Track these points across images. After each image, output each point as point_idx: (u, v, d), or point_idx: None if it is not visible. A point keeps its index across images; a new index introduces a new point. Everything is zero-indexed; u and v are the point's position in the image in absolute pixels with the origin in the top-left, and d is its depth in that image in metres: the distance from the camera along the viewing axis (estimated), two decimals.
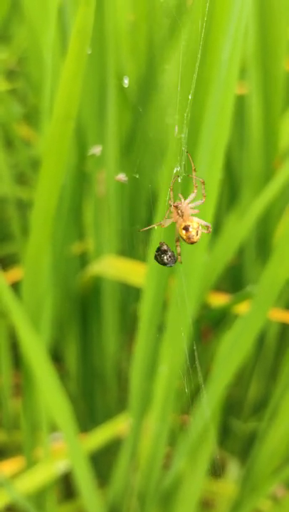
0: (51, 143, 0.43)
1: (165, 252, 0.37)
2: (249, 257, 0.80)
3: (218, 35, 0.41)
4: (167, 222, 0.39)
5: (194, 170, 0.40)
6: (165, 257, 0.37)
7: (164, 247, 0.37)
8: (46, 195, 0.47)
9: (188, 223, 0.37)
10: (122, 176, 0.59)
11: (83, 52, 0.36)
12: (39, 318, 0.64)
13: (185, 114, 0.36)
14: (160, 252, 0.37)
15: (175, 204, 0.38)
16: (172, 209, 0.38)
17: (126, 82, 0.63)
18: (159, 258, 0.37)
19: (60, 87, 0.38)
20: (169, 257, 0.37)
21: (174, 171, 0.39)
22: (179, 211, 0.38)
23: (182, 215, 0.38)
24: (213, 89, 0.45)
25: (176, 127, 0.36)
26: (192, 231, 0.37)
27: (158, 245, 0.37)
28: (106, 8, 0.62)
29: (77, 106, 0.40)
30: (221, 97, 0.45)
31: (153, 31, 0.66)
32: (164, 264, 0.37)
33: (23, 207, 1.01)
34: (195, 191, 0.39)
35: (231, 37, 0.43)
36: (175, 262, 0.37)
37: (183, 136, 0.38)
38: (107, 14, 0.63)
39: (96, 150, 0.60)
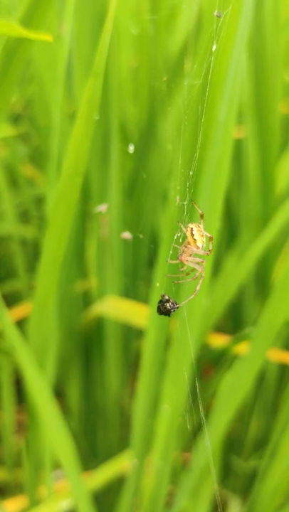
0: (60, 198, 0.45)
1: (167, 301, 0.39)
2: (248, 294, 0.82)
3: (216, 99, 0.44)
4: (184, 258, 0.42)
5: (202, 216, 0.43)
6: (168, 305, 0.39)
7: (166, 297, 0.39)
8: (55, 243, 0.49)
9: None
10: (127, 234, 0.62)
11: (91, 118, 0.39)
12: (44, 357, 0.66)
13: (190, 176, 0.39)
14: (163, 302, 0.39)
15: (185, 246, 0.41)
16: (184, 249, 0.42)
17: (131, 148, 0.66)
18: (162, 308, 0.39)
19: (69, 148, 0.41)
20: (172, 303, 0.39)
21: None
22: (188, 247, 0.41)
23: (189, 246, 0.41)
24: (211, 144, 0.48)
25: (178, 198, 0.38)
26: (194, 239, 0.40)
27: (160, 298, 0.39)
28: (110, 60, 0.65)
29: (85, 164, 0.42)
30: (219, 150, 0.48)
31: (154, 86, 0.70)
32: (168, 311, 0.39)
33: (27, 245, 1.04)
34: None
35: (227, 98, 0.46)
36: (178, 307, 0.40)
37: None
38: (111, 64, 0.66)
39: (102, 208, 0.63)
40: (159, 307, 0.40)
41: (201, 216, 0.42)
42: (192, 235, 0.41)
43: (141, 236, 0.70)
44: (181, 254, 0.42)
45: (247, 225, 0.78)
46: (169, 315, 0.40)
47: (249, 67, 0.72)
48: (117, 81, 0.66)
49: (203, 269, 0.42)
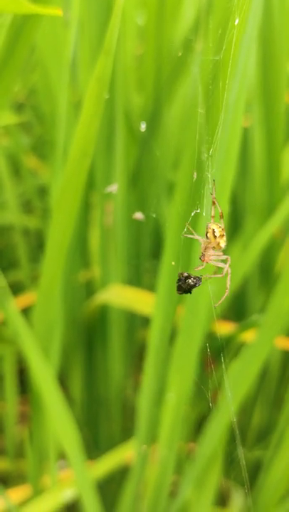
0: (68, 180, 0.45)
1: (188, 277, 0.38)
2: (252, 284, 0.81)
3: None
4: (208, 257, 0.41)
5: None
6: (190, 280, 0.38)
7: (185, 274, 0.38)
8: (61, 228, 0.49)
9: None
10: (139, 215, 0.61)
11: (102, 96, 0.38)
12: (49, 345, 0.66)
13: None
14: (184, 279, 0.38)
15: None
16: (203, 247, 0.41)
17: (143, 126, 0.66)
18: (184, 285, 0.38)
19: (78, 128, 0.40)
20: (194, 279, 0.38)
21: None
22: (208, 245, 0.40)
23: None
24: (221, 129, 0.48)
25: (195, 173, 0.38)
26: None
27: (178, 277, 0.38)
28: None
29: (93, 144, 0.42)
30: (228, 137, 0.48)
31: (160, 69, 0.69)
32: (190, 287, 0.38)
33: (30, 235, 1.03)
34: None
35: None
36: (201, 282, 0.39)
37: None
38: (116, 53, 0.65)
39: (112, 188, 0.62)
40: (180, 285, 0.38)
41: (213, 202, 0.41)
42: (215, 236, 0.40)
43: (154, 215, 0.69)
44: (203, 255, 0.41)
45: (252, 214, 0.77)
46: (190, 292, 0.38)
47: (257, 54, 0.71)
48: (122, 67, 0.66)
49: (229, 268, 0.41)
